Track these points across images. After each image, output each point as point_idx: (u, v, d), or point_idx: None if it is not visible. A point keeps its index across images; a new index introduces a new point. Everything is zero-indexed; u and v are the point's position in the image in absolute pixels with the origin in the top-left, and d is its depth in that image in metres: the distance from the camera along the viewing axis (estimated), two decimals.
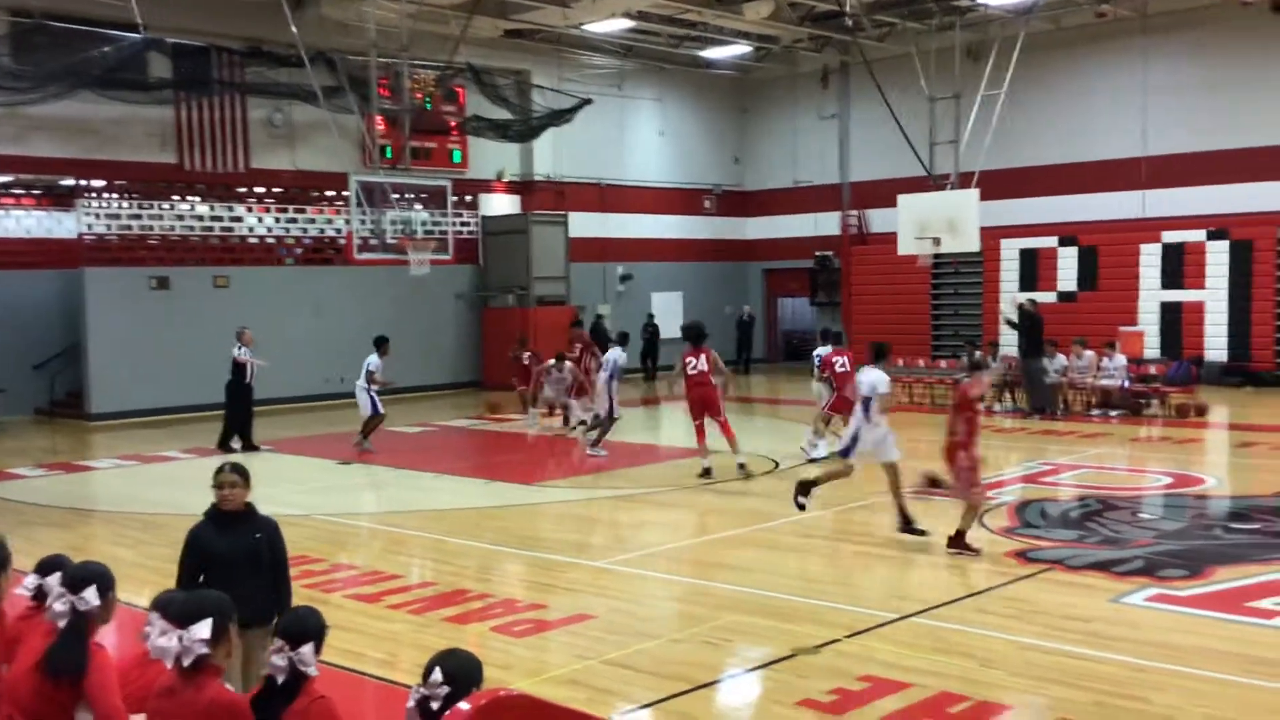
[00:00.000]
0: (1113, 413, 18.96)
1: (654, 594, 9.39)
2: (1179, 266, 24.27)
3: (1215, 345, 23.70)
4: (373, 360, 16.85)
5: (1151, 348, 23.82)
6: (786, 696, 6.64)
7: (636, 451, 16.53)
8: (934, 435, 14.47)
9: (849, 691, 6.61)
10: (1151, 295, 24.57)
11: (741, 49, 28.31)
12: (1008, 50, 22.13)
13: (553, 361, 18.41)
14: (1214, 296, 23.86)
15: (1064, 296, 25.32)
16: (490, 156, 26.66)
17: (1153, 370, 20.73)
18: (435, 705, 3.32)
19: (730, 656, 7.51)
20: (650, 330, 28.45)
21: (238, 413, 17.04)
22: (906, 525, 10.51)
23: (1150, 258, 24.64)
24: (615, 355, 16.34)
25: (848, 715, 6.31)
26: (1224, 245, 23.76)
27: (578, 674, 7.13)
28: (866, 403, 10.63)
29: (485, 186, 27.06)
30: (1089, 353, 19.73)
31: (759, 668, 7.27)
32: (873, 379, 10.67)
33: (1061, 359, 19.83)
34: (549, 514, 12.66)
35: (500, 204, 27.42)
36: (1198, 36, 24.34)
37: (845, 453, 10.77)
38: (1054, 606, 8.43)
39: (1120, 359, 19.58)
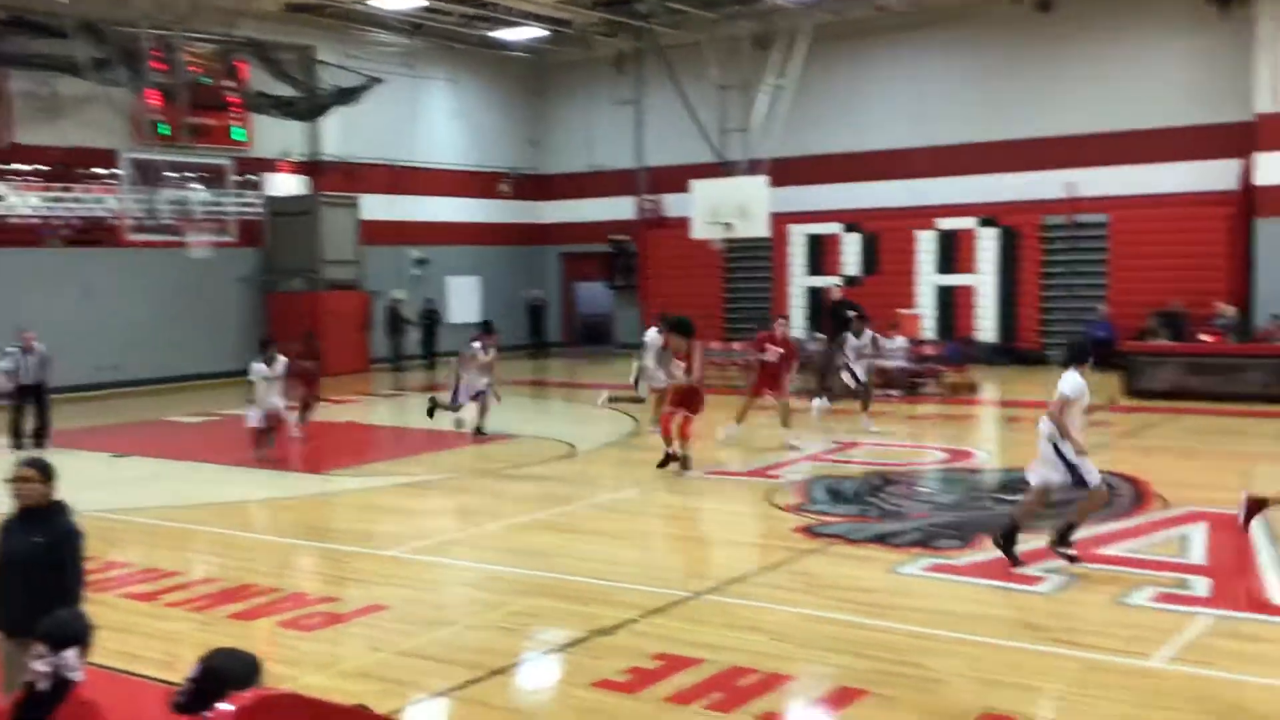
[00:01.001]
0: (892, 392, 19.79)
1: (449, 581, 9.28)
2: (952, 252, 25.56)
3: (986, 327, 25.06)
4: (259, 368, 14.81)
5: (928, 329, 25.01)
6: (583, 678, 6.67)
7: (428, 438, 16.29)
8: (724, 416, 14.88)
9: (644, 670, 6.68)
10: (928, 279, 25.80)
11: (535, 31, 28.19)
12: (795, 41, 22.80)
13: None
14: (984, 281, 25.24)
15: (849, 281, 26.29)
16: (276, 135, 25.73)
17: (929, 351, 21.74)
18: (181, 700, 3.20)
19: (526, 641, 7.49)
20: (429, 317, 27.97)
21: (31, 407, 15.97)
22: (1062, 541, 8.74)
23: (926, 244, 25.86)
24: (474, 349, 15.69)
25: (642, 694, 6.38)
26: (993, 232, 25.14)
27: (370, 666, 6.98)
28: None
29: (270, 166, 26.11)
30: (869, 334, 20.49)
31: (555, 651, 7.27)
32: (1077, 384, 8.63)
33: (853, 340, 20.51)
34: (341, 504, 12.35)
35: (287, 184, 26.52)
36: (968, 32, 25.61)
37: (1080, 482, 8.59)
38: (839, 579, 8.75)
39: (900, 340, 20.46)
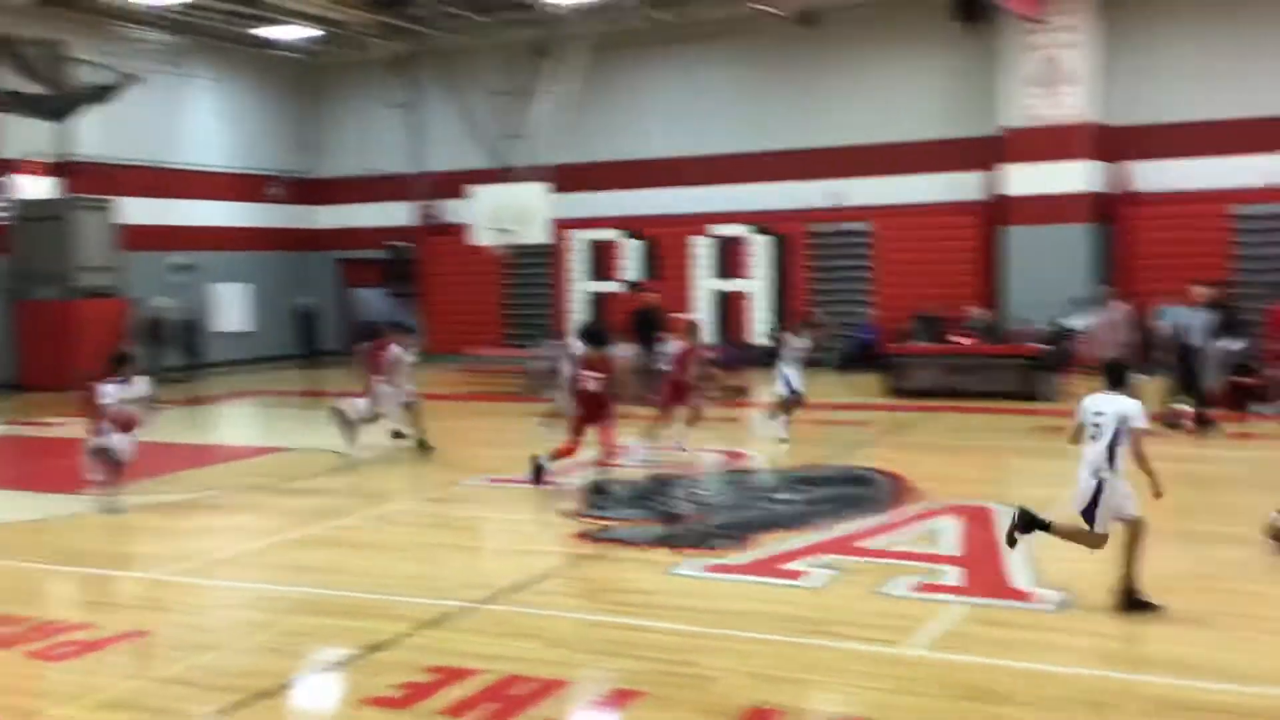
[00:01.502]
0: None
1: (215, 603, 8.90)
2: (727, 258, 26.28)
3: (760, 330, 25.84)
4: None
5: (707, 334, 25.56)
6: (354, 696, 6.52)
7: (192, 453, 15.58)
8: (490, 424, 14.83)
9: (417, 684, 6.58)
10: (705, 285, 26.43)
11: (306, 31, 27.40)
12: (572, 49, 22.96)
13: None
14: (757, 286, 26.05)
15: (629, 286, 26.64)
16: (24, 134, 24.12)
17: (708, 355, 22.18)
18: None
19: (296, 661, 7.26)
20: (189, 326, 26.62)
21: None
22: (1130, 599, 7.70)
23: (703, 250, 26.50)
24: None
25: (415, 708, 6.28)
26: (765, 240, 25.97)
27: (127, 695, 6.61)
28: (1113, 445, 7.62)
29: (17, 167, 24.45)
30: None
31: (326, 669, 7.08)
32: (1127, 408, 7.68)
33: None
34: (95, 525, 11.64)
35: (38, 187, 24.88)
36: (739, 45, 26.35)
37: (1090, 518, 7.75)
38: (617, 583, 8.85)
39: (676, 344, 20.75)
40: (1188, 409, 15.58)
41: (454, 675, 6.71)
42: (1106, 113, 22.94)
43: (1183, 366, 15.94)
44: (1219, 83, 22.17)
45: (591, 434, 12.31)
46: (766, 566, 9.08)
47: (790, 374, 15.40)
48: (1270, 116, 21.66)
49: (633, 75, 27.20)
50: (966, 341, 20.27)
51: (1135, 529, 7.64)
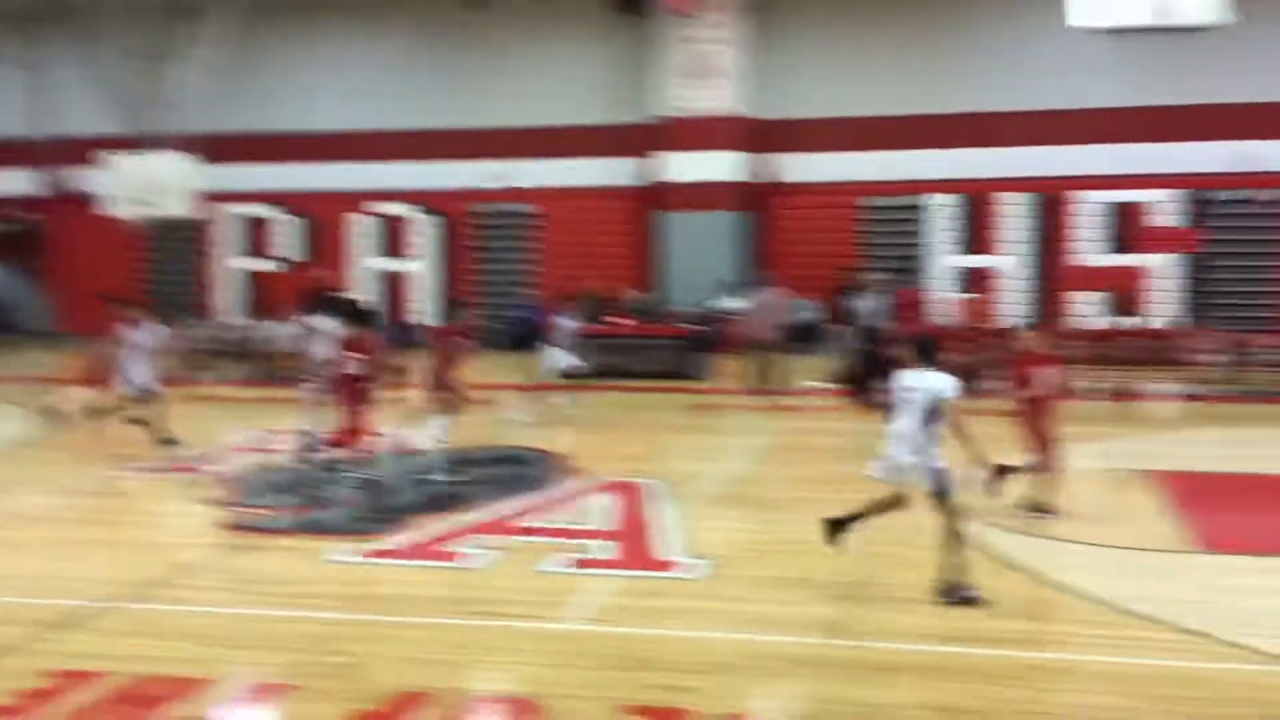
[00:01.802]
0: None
1: None
2: (391, 238, 25.78)
3: (425, 311, 25.52)
4: None
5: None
6: None
7: None
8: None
9: (37, 691, 6.04)
10: (369, 264, 25.82)
11: None
12: (220, 11, 21.71)
13: None
14: (423, 266, 25.73)
15: (285, 264, 25.60)
16: None
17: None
18: None
19: None
20: None
21: None
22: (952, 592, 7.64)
23: (365, 229, 25.87)
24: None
25: (32, 717, 5.76)
26: (430, 219, 25.68)
27: None
28: (925, 420, 7.59)
29: None
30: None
31: None
32: (939, 384, 7.65)
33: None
34: None
35: None
36: (405, 20, 25.77)
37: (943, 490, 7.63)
38: (268, 573, 8.49)
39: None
40: (826, 387, 16.82)
41: (79, 679, 6.21)
42: (754, 107, 24.21)
43: (864, 349, 16.82)
44: (850, 83, 23.91)
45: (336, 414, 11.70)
46: (425, 549, 8.98)
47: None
48: (892, 115, 23.56)
49: (293, 45, 26.08)
50: (624, 322, 20.81)
51: (949, 510, 7.63)
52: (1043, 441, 9.71)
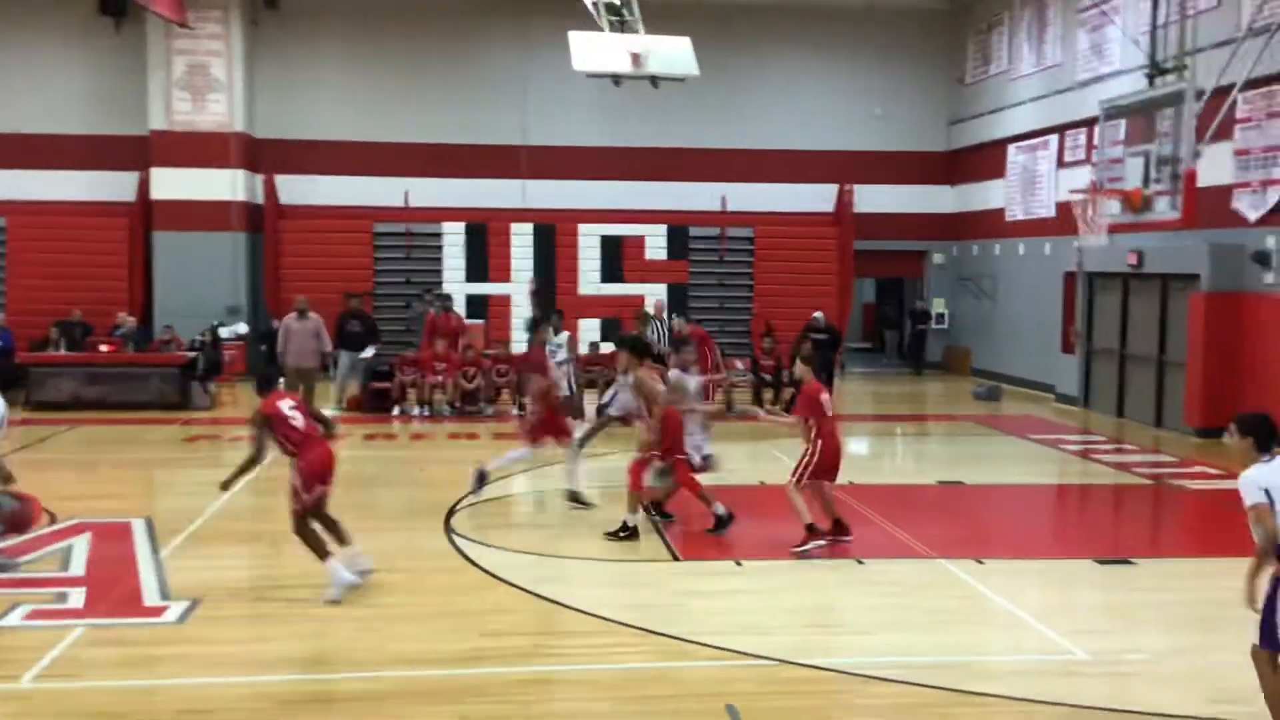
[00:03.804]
0: None
1: None
2: None
3: None
4: None
5: None
6: None
7: None
8: None
9: None
10: None
11: None
12: None
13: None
14: None
15: None
16: None
17: None
18: None
19: None
20: None
21: None
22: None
23: None
24: None
25: None
26: None
27: None
28: None
29: None
30: None
31: None
32: None
33: None
34: None
35: None
36: None
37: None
38: None
39: None
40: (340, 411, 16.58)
41: None
42: (256, 124, 23.33)
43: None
44: (359, 107, 23.71)
45: None
46: None
47: None
48: (403, 142, 23.64)
49: None
50: (108, 350, 19.18)
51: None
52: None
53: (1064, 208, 18.99)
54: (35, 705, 6.23)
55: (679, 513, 10.55)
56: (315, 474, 8.10)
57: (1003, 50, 23.01)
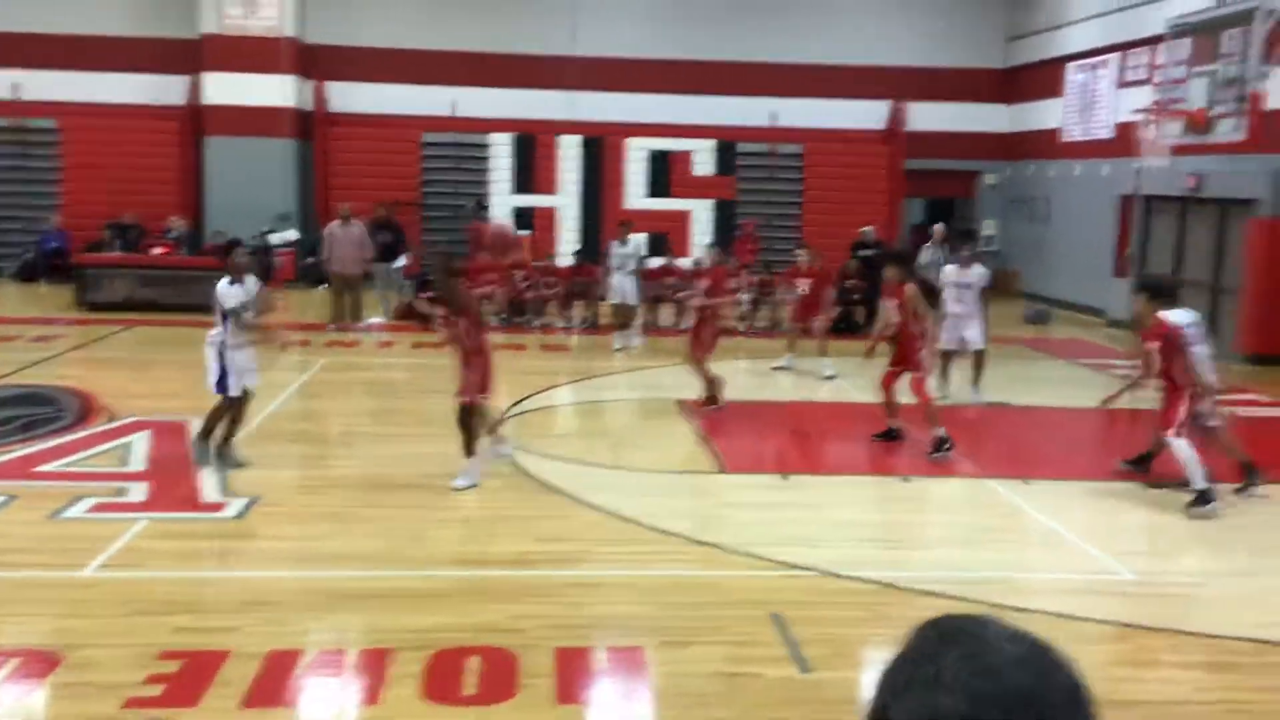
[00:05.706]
0: None
1: None
2: None
3: None
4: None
5: None
6: None
7: None
8: None
9: None
10: None
11: None
12: None
13: None
14: None
15: None
16: None
17: None
18: None
19: None
20: None
21: None
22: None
23: None
24: None
25: None
26: None
27: None
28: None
29: None
30: None
31: None
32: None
33: None
34: None
35: None
36: None
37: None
38: None
39: None
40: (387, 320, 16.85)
41: None
42: (307, 30, 23.19)
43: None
44: (409, 14, 23.48)
45: None
46: None
47: None
48: (452, 50, 23.43)
49: None
50: (164, 252, 19.41)
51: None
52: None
53: (1122, 129, 18.61)
54: (101, 593, 6.42)
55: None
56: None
57: None
